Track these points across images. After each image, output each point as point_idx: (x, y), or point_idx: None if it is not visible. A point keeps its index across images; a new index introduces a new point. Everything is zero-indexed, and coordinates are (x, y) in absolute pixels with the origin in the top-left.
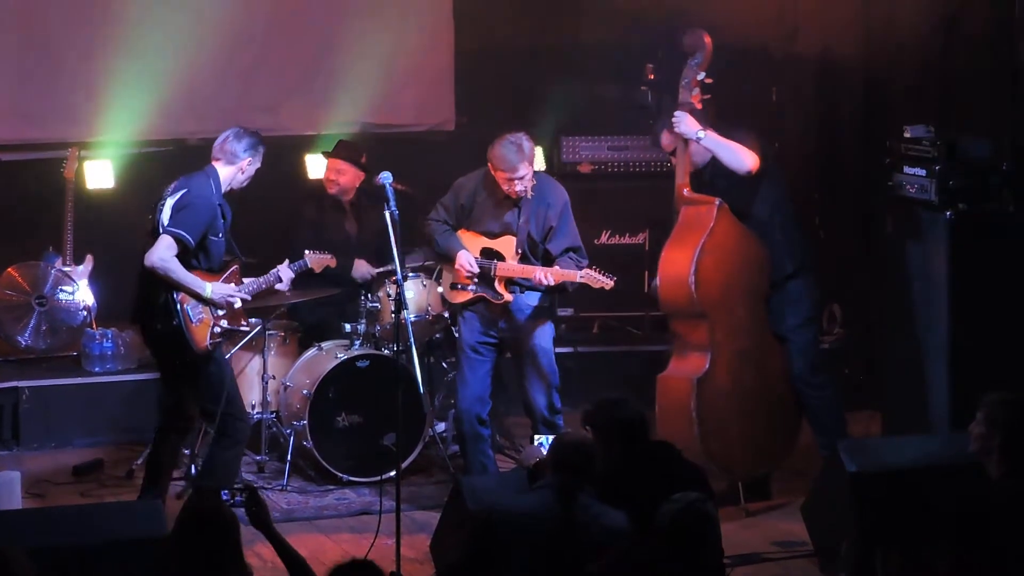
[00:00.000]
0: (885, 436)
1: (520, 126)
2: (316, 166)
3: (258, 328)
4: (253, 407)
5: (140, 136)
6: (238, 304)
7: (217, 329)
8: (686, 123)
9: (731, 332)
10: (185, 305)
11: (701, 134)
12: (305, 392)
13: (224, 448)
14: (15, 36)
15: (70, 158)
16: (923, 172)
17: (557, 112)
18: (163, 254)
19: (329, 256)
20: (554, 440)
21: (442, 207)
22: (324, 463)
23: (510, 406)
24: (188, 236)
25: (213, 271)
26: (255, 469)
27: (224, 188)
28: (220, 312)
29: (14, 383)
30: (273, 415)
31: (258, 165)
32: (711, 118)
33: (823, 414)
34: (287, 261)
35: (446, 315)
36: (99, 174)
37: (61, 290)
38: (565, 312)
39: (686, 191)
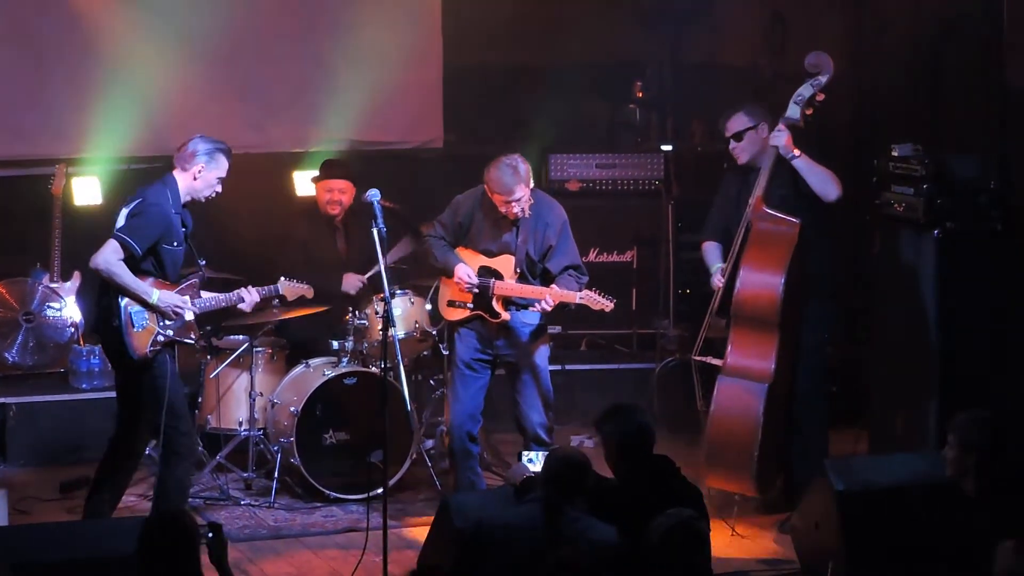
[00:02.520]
0: (872, 455)
1: (508, 143)
2: (304, 183)
3: (246, 345)
4: (240, 424)
5: (128, 152)
6: (189, 317)
7: (160, 337)
8: (785, 140)
9: (788, 348)
10: (130, 309)
11: (795, 153)
12: (292, 409)
13: (173, 467)
14: (3, 53)
15: (58, 174)
16: (911, 191)
17: (545, 129)
18: (108, 257)
19: (306, 286)
20: (548, 454)
21: (440, 224)
22: (311, 480)
23: (497, 423)
24: (134, 243)
25: (168, 280)
26: (242, 486)
27: (184, 197)
28: (167, 321)
29: (1, 399)
30: (260, 432)
31: (219, 174)
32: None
33: (815, 435)
34: (270, 285)
35: (434, 332)
36: (87, 190)
37: (48, 307)
38: (553, 330)
39: (765, 207)
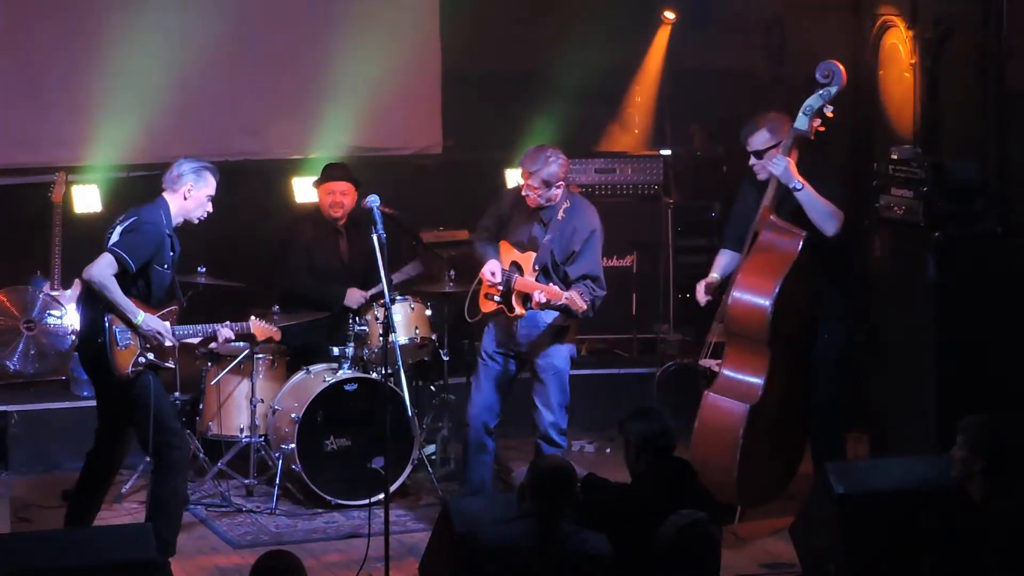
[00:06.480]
0: (872, 458)
1: (506, 149)
2: (303, 190)
3: (246, 352)
4: (241, 431)
5: (127, 160)
6: (168, 343)
7: (142, 359)
8: (785, 170)
9: (784, 367)
10: (114, 327)
11: (799, 185)
12: (293, 416)
13: (166, 481)
14: (2, 60)
15: (58, 182)
16: (911, 194)
17: (544, 134)
18: (103, 270)
19: (275, 329)
20: (530, 466)
21: (488, 215)
22: (313, 486)
23: (499, 429)
24: (130, 259)
25: (150, 303)
26: (244, 493)
27: (176, 219)
28: (148, 344)
29: (2, 407)
30: (261, 439)
31: (208, 192)
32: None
33: (835, 447)
34: (228, 323)
35: (433, 337)
36: (87, 198)
37: (49, 314)
38: None
39: (773, 216)
